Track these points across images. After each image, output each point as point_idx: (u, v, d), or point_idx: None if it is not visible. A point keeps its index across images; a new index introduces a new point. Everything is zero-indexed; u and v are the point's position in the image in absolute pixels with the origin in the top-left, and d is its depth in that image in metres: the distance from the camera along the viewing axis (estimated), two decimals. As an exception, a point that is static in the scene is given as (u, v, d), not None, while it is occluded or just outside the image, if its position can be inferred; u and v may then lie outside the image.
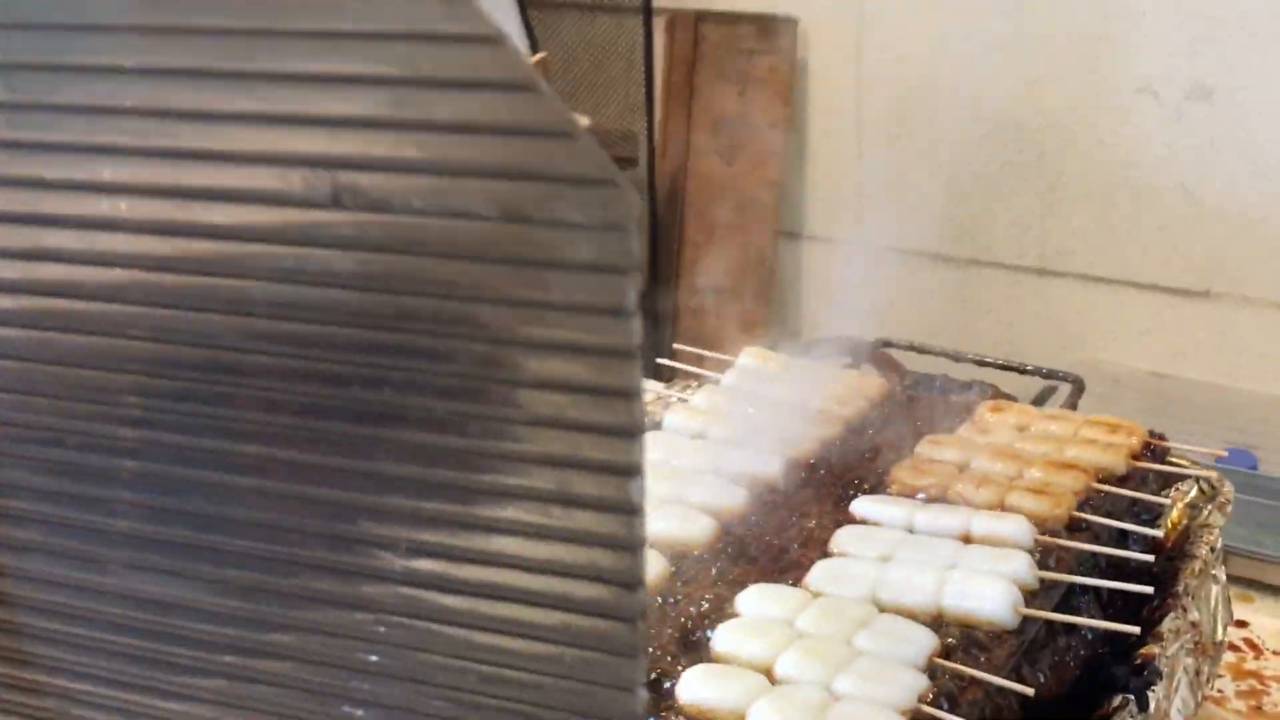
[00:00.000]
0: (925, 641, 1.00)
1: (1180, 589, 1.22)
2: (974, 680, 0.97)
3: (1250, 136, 3.21)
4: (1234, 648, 1.46)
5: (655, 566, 1.13)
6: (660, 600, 1.10)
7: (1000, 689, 0.97)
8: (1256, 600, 1.54)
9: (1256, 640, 1.48)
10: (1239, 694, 1.40)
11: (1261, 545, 1.58)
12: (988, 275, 3.73)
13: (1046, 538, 1.13)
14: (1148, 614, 1.21)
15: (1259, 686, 1.41)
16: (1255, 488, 1.76)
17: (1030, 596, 1.06)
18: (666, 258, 4.12)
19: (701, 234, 4.16)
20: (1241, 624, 1.50)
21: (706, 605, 1.09)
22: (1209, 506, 1.35)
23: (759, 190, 4.01)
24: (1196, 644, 1.25)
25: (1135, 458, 1.26)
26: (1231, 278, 3.31)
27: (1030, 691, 0.96)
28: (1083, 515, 1.16)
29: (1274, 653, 1.46)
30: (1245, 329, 3.32)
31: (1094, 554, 1.14)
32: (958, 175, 3.72)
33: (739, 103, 4.06)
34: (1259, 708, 1.38)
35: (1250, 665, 1.45)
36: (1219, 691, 1.40)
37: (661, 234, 4.08)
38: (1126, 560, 1.17)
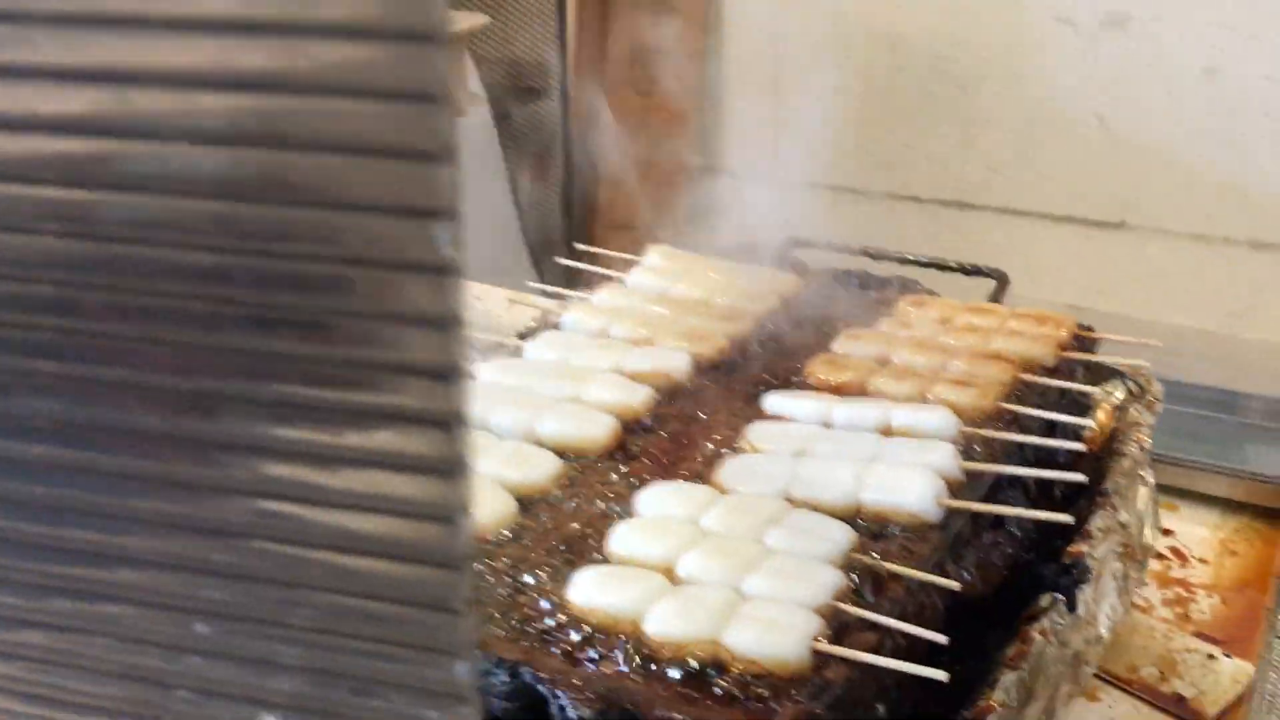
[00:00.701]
0: (842, 537, 0.91)
1: (1109, 487, 1.15)
2: (894, 576, 0.88)
3: (1164, 65, 3.18)
4: (1160, 556, 1.41)
5: (547, 467, 1.02)
6: (552, 501, 1.00)
7: (923, 585, 0.89)
8: (1181, 508, 1.49)
9: (1182, 548, 1.43)
10: (1165, 602, 1.35)
11: (1188, 453, 1.52)
12: (906, 209, 3.67)
13: (972, 429, 1.04)
14: (1076, 514, 1.14)
15: (1185, 594, 1.36)
16: (1182, 396, 1.70)
17: (955, 490, 0.98)
18: (580, 192, 4.02)
19: (618, 168, 4.04)
20: (1167, 532, 1.45)
21: (604, 507, 0.99)
22: (1137, 406, 1.29)
23: (675, 123, 3.90)
24: (1125, 546, 1.18)
25: (1064, 349, 1.18)
26: (1146, 209, 3.29)
27: (957, 585, 0.88)
28: (1010, 407, 1.08)
29: (1200, 560, 1.41)
30: (1160, 260, 3.32)
31: (1022, 446, 1.05)
32: (875, 108, 3.65)
33: (655, 33, 3.94)
34: (1186, 615, 1.32)
35: (1176, 573, 1.39)
36: (1145, 600, 1.34)
37: (575, 168, 3.97)
38: (1056, 454, 1.09)
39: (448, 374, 0.33)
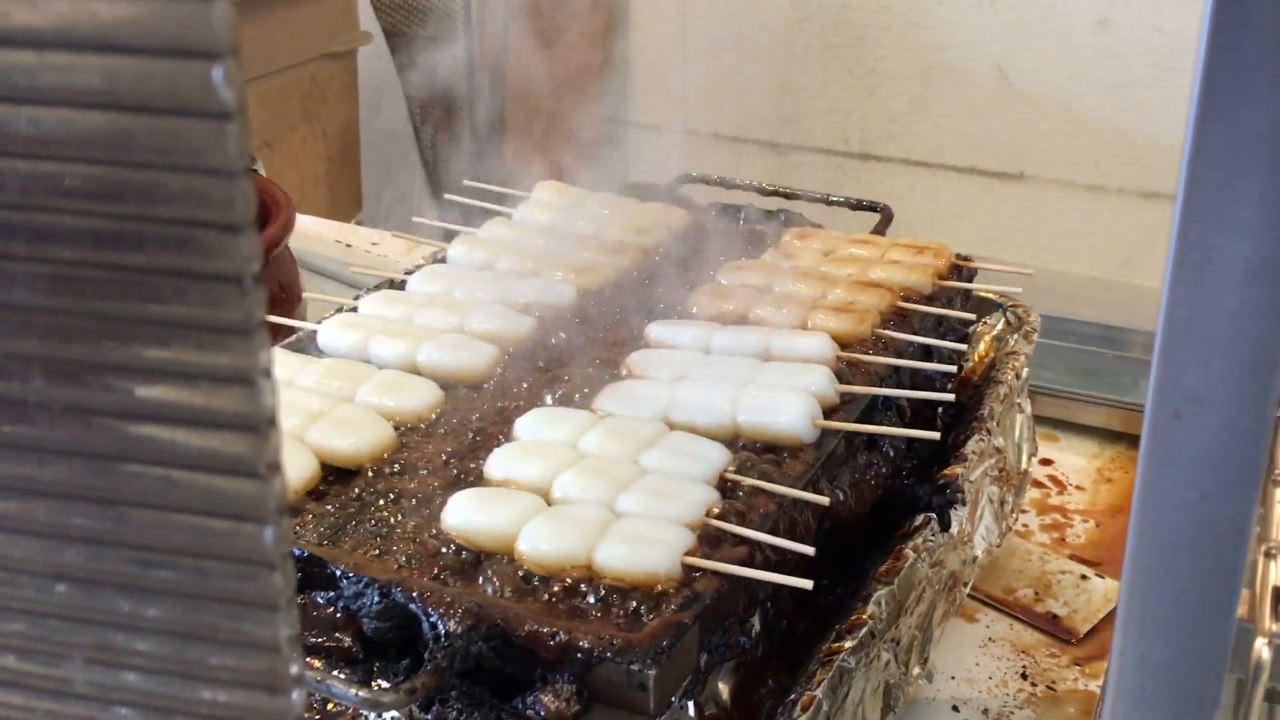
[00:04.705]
0: (717, 457, 0.92)
1: (985, 413, 1.17)
2: (765, 493, 0.89)
3: (1058, 16, 3.23)
4: (1039, 485, 1.45)
5: (426, 395, 1.02)
6: (430, 428, 0.99)
7: (795, 502, 0.90)
8: (1061, 439, 1.53)
9: (1061, 477, 1.47)
10: (1043, 528, 1.39)
11: (1070, 386, 1.57)
12: (811, 161, 3.70)
13: (848, 354, 1.06)
14: (952, 440, 1.17)
15: (1062, 520, 1.40)
16: (1066, 332, 1.75)
17: (830, 411, 0.99)
18: (489, 144, 3.97)
19: (523, 118, 4.00)
20: (1047, 462, 1.49)
21: (483, 432, 0.99)
22: (1015, 336, 1.32)
23: (582, 74, 3.86)
24: (1001, 470, 1.21)
25: (941, 278, 1.20)
26: (1041, 160, 3.35)
27: (825, 501, 0.89)
28: (886, 332, 1.09)
29: (1077, 488, 1.45)
30: (1054, 211, 3.38)
31: (897, 370, 1.07)
32: (780, 60, 3.66)
33: (561, -18, 3.89)
34: (1062, 539, 1.37)
35: (1054, 500, 1.43)
36: (1024, 526, 1.38)
37: (481, 119, 3.92)
38: (933, 378, 1.11)
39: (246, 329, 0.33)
